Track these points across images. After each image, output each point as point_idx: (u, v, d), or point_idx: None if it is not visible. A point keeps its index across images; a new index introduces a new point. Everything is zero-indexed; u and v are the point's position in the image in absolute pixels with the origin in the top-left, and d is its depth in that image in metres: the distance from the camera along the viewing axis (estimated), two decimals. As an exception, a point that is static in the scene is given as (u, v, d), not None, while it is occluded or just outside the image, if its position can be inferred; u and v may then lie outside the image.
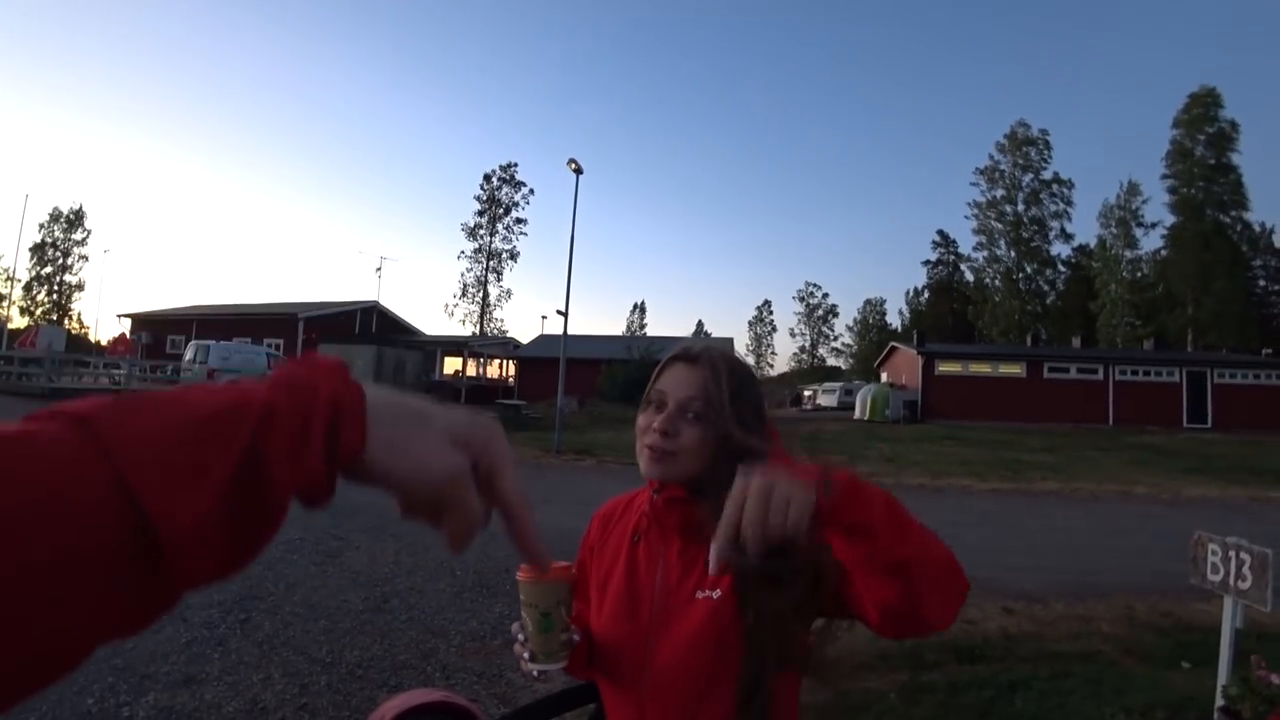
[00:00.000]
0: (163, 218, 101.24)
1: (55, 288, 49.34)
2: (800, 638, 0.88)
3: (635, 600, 0.97)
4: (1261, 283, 46.45)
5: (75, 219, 50.20)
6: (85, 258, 50.31)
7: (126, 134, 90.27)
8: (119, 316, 33.08)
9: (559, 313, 15.26)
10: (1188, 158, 38.91)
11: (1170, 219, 40.10)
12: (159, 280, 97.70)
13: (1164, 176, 40.14)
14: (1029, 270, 44.40)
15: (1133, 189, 42.27)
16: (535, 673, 0.89)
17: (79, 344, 39.74)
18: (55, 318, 47.39)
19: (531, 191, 49.47)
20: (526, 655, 0.89)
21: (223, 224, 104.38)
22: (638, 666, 0.93)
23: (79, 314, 51.10)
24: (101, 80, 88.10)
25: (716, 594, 0.90)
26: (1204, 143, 38.61)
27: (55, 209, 49.82)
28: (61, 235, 49.62)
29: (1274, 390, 25.45)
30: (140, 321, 31.27)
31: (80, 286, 50.37)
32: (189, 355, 19.89)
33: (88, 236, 50.64)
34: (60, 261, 49.46)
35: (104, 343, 36.14)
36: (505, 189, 49.19)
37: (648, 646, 0.93)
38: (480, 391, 28.88)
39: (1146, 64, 79.90)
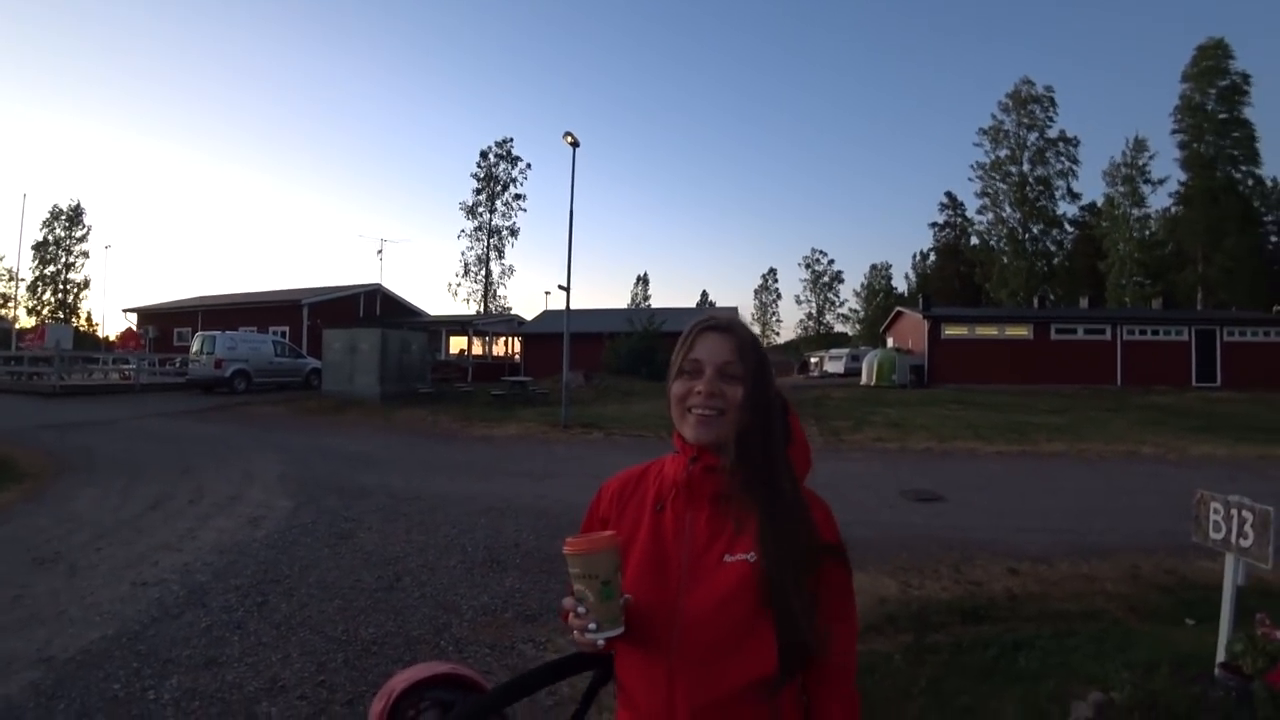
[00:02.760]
0: (161, 211, 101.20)
1: (60, 286, 49.53)
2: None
3: (663, 565, 1.00)
4: (1273, 239, 45.66)
5: (74, 216, 50.22)
6: (86, 254, 50.48)
7: (120, 128, 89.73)
8: (125, 311, 33.14)
9: (561, 288, 15.28)
10: (1198, 112, 38.02)
11: (1180, 175, 39.39)
12: (162, 274, 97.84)
13: (1174, 132, 39.29)
14: (1035, 231, 43.85)
15: (1139, 145, 41.44)
16: (600, 642, 0.92)
17: (87, 341, 40.00)
18: (62, 316, 47.63)
19: (529, 166, 49.19)
20: (592, 625, 0.91)
21: (221, 214, 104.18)
22: (666, 627, 0.97)
23: (87, 312, 51.44)
24: (92, 74, 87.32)
25: (751, 557, 0.96)
26: (1214, 96, 37.70)
27: (55, 207, 49.92)
28: (63, 233, 49.67)
29: (1284, 347, 25.19)
30: (146, 316, 31.36)
31: (85, 284, 50.62)
32: (196, 346, 19.91)
33: (88, 233, 50.86)
34: (63, 260, 49.58)
35: (112, 339, 36.36)
36: (502, 165, 48.89)
37: (676, 608, 0.97)
38: (486, 369, 28.98)
39: (1152, 16, 77.72)
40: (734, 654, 0.93)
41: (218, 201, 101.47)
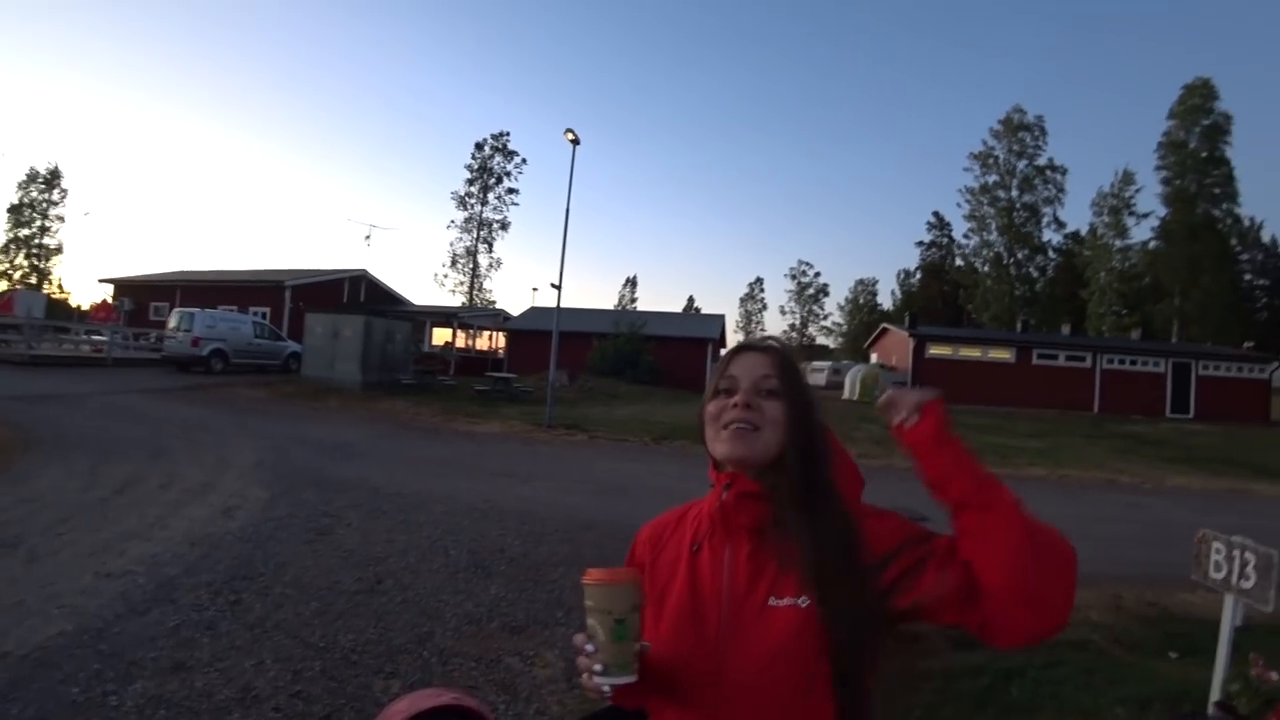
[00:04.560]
0: (145, 180, 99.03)
1: (33, 250, 48.18)
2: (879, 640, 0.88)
3: (699, 610, 0.90)
4: (1247, 276, 46.98)
5: (52, 179, 48.92)
6: (62, 219, 49.17)
7: (107, 92, 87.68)
8: (100, 281, 32.28)
9: (553, 285, 15.10)
10: (1181, 149, 38.86)
11: (1162, 210, 40.26)
12: (141, 245, 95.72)
13: (1157, 167, 40.11)
14: (1019, 256, 44.54)
15: (1127, 178, 42.24)
16: (606, 688, 0.81)
17: (59, 309, 38.93)
18: (34, 282, 46.37)
19: (524, 161, 48.81)
20: (597, 668, 0.81)
21: (205, 187, 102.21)
22: (708, 682, 0.86)
23: (59, 279, 50.06)
24: (82, 32, 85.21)
25: (803, 601, 0.84)
26: (1198, 135, 38.57)
27: (31, 169, 48.57)
28: (39, 196, 48.37)
29: (1254, 384, 25.88)
30: (122, 287, 30.50)
31: (59, 249, 49.28)
32: (173, 323, 19.42)
33: (65, 197, 49.45)
34: (38, 223, 48.27)
35: (85, 309, 35.44)
36: (497, 158, 48.47)
37: (718, 660, 0.86)
38: (470, 363, 28.68)
39: (1144, 52, 79.59)
40: (787, 713, 0.82)
41: (201, 173, 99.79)
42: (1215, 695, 2.77)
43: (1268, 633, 3.82)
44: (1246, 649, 2.75)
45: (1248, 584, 2.74)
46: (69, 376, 15.51)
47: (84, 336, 23.24)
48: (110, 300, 29.35)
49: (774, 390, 0.94)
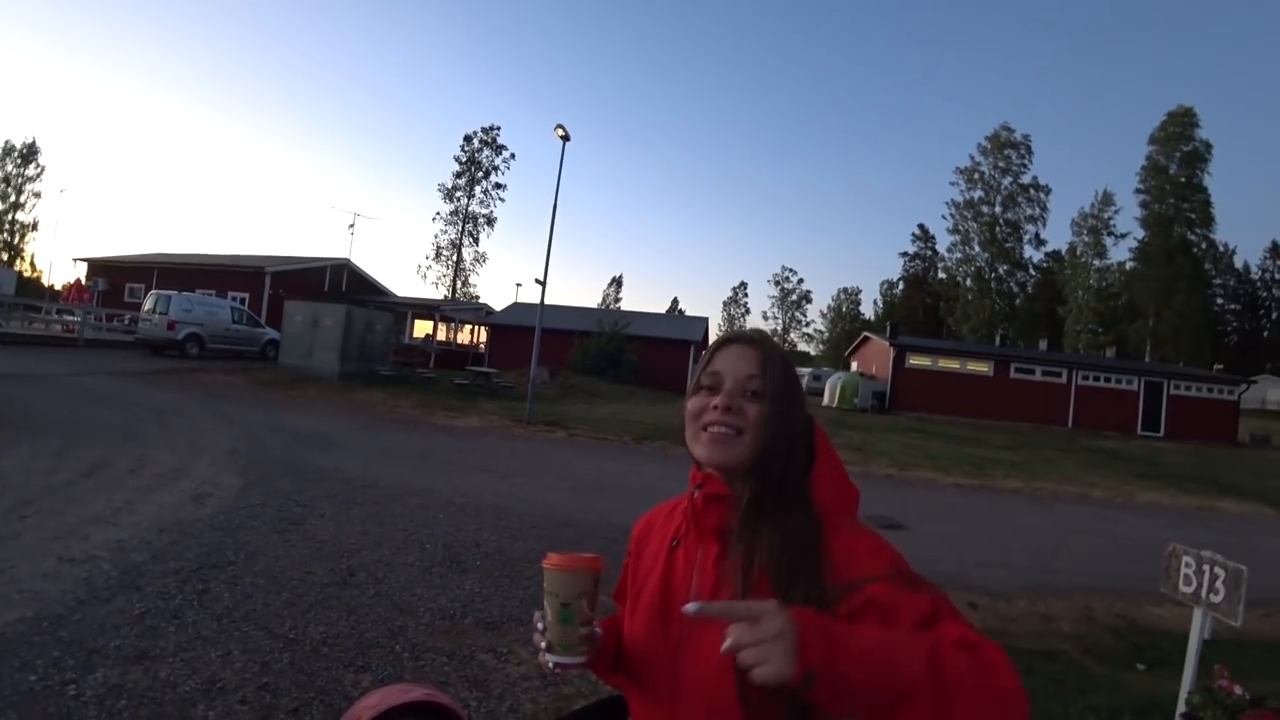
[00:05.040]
0: (124, 159, 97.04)
1: (6, 226, 46.98)
2: None
3: (667, 609, 0.91)
4: (1219, 301, 48.21)
5: (28, 153, 47.74)
6: (38, 195, 48.04)
7: (90, 69, 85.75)
8: (74, 261, 31.48)
9: (537, 281, 14.96)
10: (1161, 174, 39.81)
11: (1140, 232, 41.21)
12: (118, 225, 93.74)
13: (1137, 190, 41.14)
14: (1000, 271, 45.27)
15: (1106, 199, 43.20)
16: (551, 664, 0.86)
17: (31, 288, 37.98)
18: (5, 259, 45.20)
19: (513, 156, 48.57)
20: (544, 645, 0.86)
21: (190, 171, 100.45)
22: (668, 679, 0.87)
23: (31, 256, 48.89)
24: (66, 8, 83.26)
25: None
26: (1178, 161, 39.51)
27: (8, 143, 47.38)
28: (14, 170, 47.19)
29: (1223, 404, 26.50)
30: (97, 267, 29.77)
31: (34, 226, 48.11)
32: (148, 305, 18.96)
33: (41, 173, 48.39)
34: (12, 199, 47.08)
35: (58, 288, 34.58)
36: (486, 152, 48.18)
37: (678, 660, 0.87)
38: (450, 356, 28.43)
39: (1130, 78, 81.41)
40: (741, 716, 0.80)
41: (183, 156, 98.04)
42: (1182, 707, 2.82)
43: (1235, 646, 3.91)
44: (1213, 662, 2.80)
45: (1217, 598, 2.77)
46: (39, 356, 15.12)
47: (55, 316, 22.68)
48: (83, 280, 28.67)
49: (758, 391, 0.90)
